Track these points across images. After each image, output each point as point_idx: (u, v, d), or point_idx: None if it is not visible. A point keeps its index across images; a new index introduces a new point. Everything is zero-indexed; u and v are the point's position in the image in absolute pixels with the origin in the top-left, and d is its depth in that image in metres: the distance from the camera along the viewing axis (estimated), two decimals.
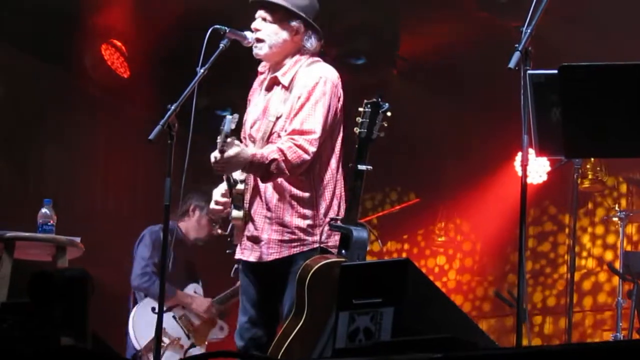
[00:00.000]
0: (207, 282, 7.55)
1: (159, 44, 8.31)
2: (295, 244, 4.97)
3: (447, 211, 9.67)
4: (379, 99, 4.95)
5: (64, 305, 3.67)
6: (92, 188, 8.43)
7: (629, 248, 8.36)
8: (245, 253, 5.05)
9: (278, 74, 5.10)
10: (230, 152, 4.75)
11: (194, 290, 7.39)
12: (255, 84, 5.30)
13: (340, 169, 5.09)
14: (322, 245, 4.94)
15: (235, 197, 5.02)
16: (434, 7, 7.96)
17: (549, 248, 9.33)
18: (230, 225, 5.09)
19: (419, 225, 9.84)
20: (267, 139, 5.00)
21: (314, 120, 4.94)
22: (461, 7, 7.94)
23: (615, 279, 7.58)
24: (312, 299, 4.75)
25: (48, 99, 8.31)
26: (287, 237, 4.97)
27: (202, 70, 4.87)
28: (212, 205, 5.09)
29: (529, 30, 4.04)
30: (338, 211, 5.03)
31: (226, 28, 4.99)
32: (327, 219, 4.98)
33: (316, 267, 4.76)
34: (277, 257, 4.98)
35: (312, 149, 4.90)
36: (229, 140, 4.74)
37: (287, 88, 5.06)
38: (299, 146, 4.88)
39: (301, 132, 4.91)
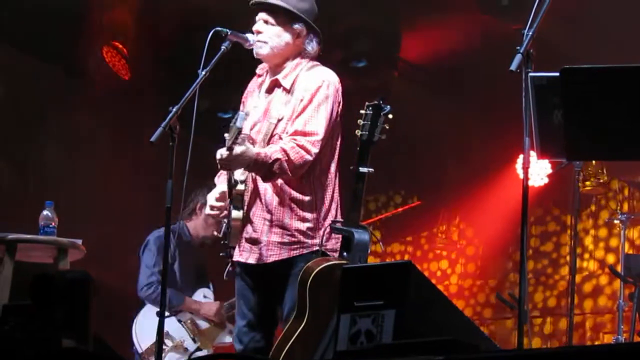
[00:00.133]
0: (219, 286, 7.46)
1: (160, 46, 8.31)
2: (295, 246, 4.97)
3: (449, 214, 9.67)
4: (381, 101, 4.96)
5: (65, 307, 3.67)
6: (93, 190, 8.42)
7: (631, 251, 8.36)
8: (244, 255, 5.04)
9: (279, 77, 5.10)
10: (238, 149, 4.76)
11: (203, 295, 7.34)
12: (250, 86, 5.30)
13: (337, 173, 5.10)
14: (321, 249, 4.95)
15: (235, 198, 5.01)
16: (435, 9, 7.96)
17: (552, 248, 9.34)
18: (224, 227, 5.08)
19: (422, 228, 9.84)
20: (268, 141, 5.00)
21: (317, 123, 4.94)
22: (462, 9, 7.94)
23: (616, 283, 7.59)
24: (314, 301, 4.75)
25: (48, 100, 8.31)
26: (287, 239, 4.97)
27: (203, 73, 4.87)
28: (208, 210, 5.09)
29: (530, 33, 4.04)
30: (336, 215, 5.04)
31: (227, 30, 5.00)
32: (327, 222, 4.98)
33: (318, 269, 4.76)
34: (277, 259, 4.98)
35: (315, 150, 4.91)
36: (242, 136, 4.75)
37: (289, 91, 5.06)
38: (302, 147, 4.88)
39: (304, 134, 4.92)
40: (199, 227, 7.48)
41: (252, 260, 5.02)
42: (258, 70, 5.26)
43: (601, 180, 7.85)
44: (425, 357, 3.16)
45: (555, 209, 9.33)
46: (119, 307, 7.36)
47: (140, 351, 6.99)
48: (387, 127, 4.94)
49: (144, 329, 7.00)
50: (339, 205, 5.09)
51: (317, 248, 4.96)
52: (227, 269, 5.11)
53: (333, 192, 5.06)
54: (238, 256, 5.06)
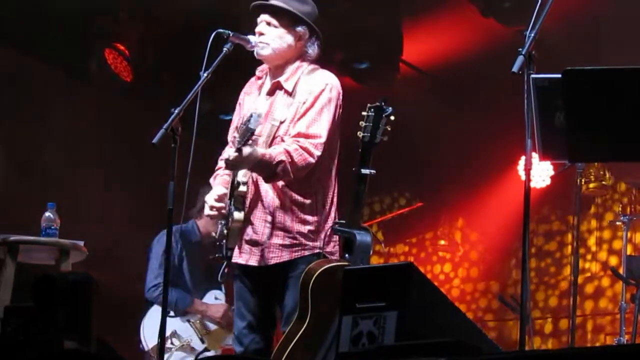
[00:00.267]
0: (230, 288, 7.41)
1: (162, 47, 8.31)
2: (297, 248, 4.97)
3: (450, 215, 9.67)
4: (383, 103, 4.96)
5: (67, 309, 3.67)
6: (95, 191, 8.42)
7: (634, 254, 8.35)
8: (244, 257, 5.03)
9: (281, 79, 5.10)
10: (246, 150, 4.77)
11: (214, 297, 7.32)
12: (248, 88, 5.30)
13: (336, 176, 5.11)
14: (322, 251, 4.95)
15: (237, 199, 5.01)
16: (438, 11, 7.97)
17: (556, 247, 9.34)
18: (219, 229, 5.08)
19: (426, 229, 9.84)
20: (270, 143, 5.00)
21: (320, 125, 4.95)
22: (465, 12, 7.94)
23: (618, 286, 7.57)
24: (316, 302, 4.75)
25: (50, 101, 8.31)
26: (288, 241, 4.97)
27: (205, 74, 4.87)
28: (207, 211, 5.08)
29: (532, 35, 4.04)
30: (335, 217, 5.04)
31: (229, 32, 5.00)
32: (327, 225, 4.99)
33: (320, 270, 4.76)
34: (278, 261, 4.97)
35: (317, 152, 4.91)
36: (254, 137, 4.76)
37: (291, 94, 5.07)
38: (305, 149, 4.89)
39: (307, 136, 4.92)
40: (209, 225, 7.46)
41: (252, 262, 5.01)
42: (258, 72, 5.25)
43: (604, 182, 7.85)
44: (427, 358, 3.16)
45: (558, 210, 9.33)
46: (120, 308, 7.36)
47: (146, 349, 7.02)
48: (389, 129, 4.94)
49: (150, 327, 7.01)
50: (337, 208, 5.09)
51: (318, 250, 4.96)
52: (222, 270, 5.10)
53: (332, 195, 5.07)
54: (237, 258, 5.05)
